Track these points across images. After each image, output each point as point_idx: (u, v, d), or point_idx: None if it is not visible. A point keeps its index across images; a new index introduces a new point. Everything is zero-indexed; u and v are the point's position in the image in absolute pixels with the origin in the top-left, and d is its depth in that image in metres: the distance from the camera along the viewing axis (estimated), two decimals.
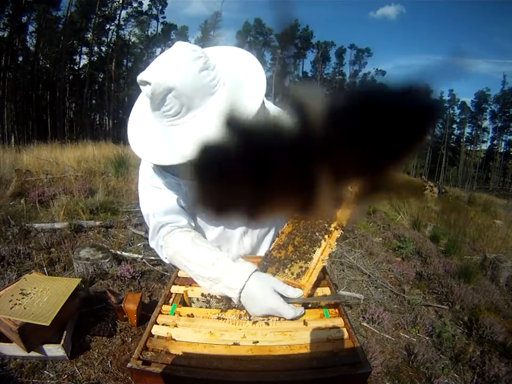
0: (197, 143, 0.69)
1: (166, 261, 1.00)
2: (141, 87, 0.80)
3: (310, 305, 0.95)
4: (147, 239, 3.34)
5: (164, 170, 0.94)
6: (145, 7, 31.30)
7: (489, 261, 3.74)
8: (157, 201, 0.97)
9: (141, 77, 0.78)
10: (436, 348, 2.32)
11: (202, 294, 0.95)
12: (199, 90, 0.77)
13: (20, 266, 2.64)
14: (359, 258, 3.59)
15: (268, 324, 0.82)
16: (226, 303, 0.92)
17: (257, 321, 0.83)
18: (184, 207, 0.99)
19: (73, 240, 3.13)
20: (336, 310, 0.88)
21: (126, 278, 2.55)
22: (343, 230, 0.92)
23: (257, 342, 0.76)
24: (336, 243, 0.91)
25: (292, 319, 0.80)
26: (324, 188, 0.25)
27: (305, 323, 0.82)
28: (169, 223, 0.97)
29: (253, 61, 0.87)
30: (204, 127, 0.78)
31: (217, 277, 0.85)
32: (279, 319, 0.84)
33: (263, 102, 0.86)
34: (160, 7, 32.35)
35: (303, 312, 0.83)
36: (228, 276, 0.84)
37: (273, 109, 1.05)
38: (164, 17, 33.63)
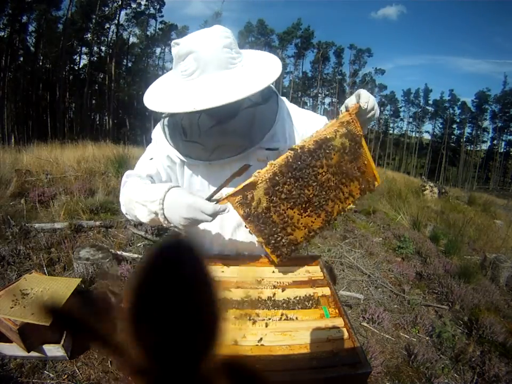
0: (197, 99, 0.80)
1: (123, 209, 1.03)
2: (172, 48, 0.92)
3: (310, 304, 0.95)
4: (147, 238, 3.33)
5: (169, 139, 1.04)
6: (142, 7, 31.26)
7: (489, 261, 3.73)
8: (141, 165, 1.10)
9: (175, 40, 0.91)
10: (436, 348, 2.32)
11: None
12: (216, 60, 0.87)
13: (20, 266, 2.63)
14: (359, 258, 3.59)
15: (268, 325, 0.82)
16: (226, 303, 0.92)
17: (256, 321, 0.83)
18: (158, 175, 1.08)
19: (73, 240, 3.13)
20: (336, 310, 0.88)
21: (126, 278, 2.55)
22: None
23: (260, 340, 0.76)
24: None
25: (212, 215, 0.83)
26: None
27: (304, 321, 0.82)
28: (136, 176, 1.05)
29: (274, 57, 1.00)
30: (208, 88, 0.87)
31: (145, 199, 0.88)
32: (279, 319, 0.84)
33: (277, 96, 1.08)
34: (158, 7, 32.29)
35: (225, 208, 0.85)
36: (151, 193, 0.88)
37: (291, 106, 1.16)
38: (161, 16, 33.59)
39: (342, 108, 0.99)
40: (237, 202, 0.87)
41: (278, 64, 0.95)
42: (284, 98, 1.15)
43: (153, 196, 0.86)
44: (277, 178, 0.87)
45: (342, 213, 0.95)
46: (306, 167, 0.88)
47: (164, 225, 0.87)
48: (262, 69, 0.93)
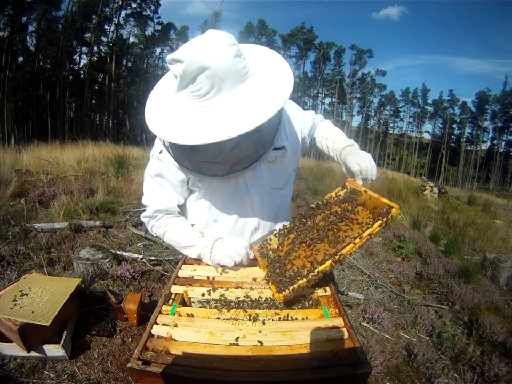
0: (227, 125, 0.72)
1: (154, 235, 1.23)
2: (170, 66, 0.81)
3: (310, 304, 0.95)
4: (147, 238, 3.34)
5: (176, 159, 1.01)
6: (139, 8, 31.17)
7: (489, 261, 3.73)
8: (157, 197, 1.13)
9: (172, 56, 0.78)
10: (436, 347, 2.32)
11: (202, 294, 0.95)
12: (231, 74, 0.79)
13: (20, 266, 2.63)
14: (359, 258, 3.59)
15: (268, 325, 0.82)
16: (226, 303, 0.92)
17: (257, 320, 0.83)
18: (179, 203, 1.15)
19: (73, 240, 3.13)
20: (336, 310, 0.88)
21: (126, 278, 2.54)
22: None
23: (262, 342, 0.76)
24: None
25: (244, 257, 1.07)
26: None
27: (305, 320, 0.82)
28: (164, 212, 1.16)
29: (280, 59, 0.92)
30: (234, 111, 0.80)
31: (195, 243, 1.11)
32: (279, 319, 0.85)
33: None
34: (153, 8, 32.18)
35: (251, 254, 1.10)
36: (203, 241, 1.11)
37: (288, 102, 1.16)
38: (158, 17, 33.48)
39: (345, 172, 1.16)
40: (257, 249, 1.11)
41: (288, 67, 0.90)
42: None
43: (204, 243, 1.11)
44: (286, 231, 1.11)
45: (353, 250, 0.94)
46: (310, 216, 1.10)
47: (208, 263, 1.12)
48: (276, 76, 0.87)
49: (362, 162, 1.07)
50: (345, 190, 1.12)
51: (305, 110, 1.28)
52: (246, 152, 1.00)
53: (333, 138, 1.26)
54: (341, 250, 0.90)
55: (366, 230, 0.91)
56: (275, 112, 0.79)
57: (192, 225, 1.16)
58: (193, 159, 0.99)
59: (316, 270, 0.88)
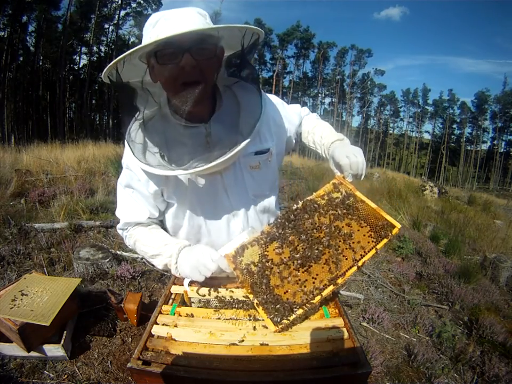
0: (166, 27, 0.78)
1: (130, 247, 1.14)
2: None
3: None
4: None
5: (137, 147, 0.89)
6: (140, 7, 31.12)
7: (489, 261, 3.73)
8: (127, 209, 1.06)
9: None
10: (436, 348, 2.32)
11: (202, 294, 0.95)
12: (184, 14, 0.81)
13: (20, 266, 2.63)
14: None
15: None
16: (226, 303, 0.92)
17: (257, 320, 0.83)
18: (152, 216, 1.06)
19: (73, 240, 3.13)
20: (336, 310, 0.88)
21: (126, 278, 2.54)
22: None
23: (261, 342, 0.76)
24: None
25: (215, 271, 0.89)
26: None
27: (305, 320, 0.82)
28: (134, 223, 1.09)
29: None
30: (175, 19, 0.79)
31: (160, 251, 1.00)
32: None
33: None
34: (154, 7, 32.14)
35: (227, 267, 0.89)
36: (167, 249, 0.98)
37: (274, 101, 1.08)
38: None
39: (333, 167, 1.04)
40: (231, 260, 0.91)
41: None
42: (268, 95, 1.06)
43: (169, 251, 0.98)
44: (267, 238, 0.92)
45: (356, 268, 0.83)
46: (297, 221, 0.93)
47: (176, 275, 0.99)
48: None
49: (352, 156, 0.96)
50: (337, 192, 0.97)
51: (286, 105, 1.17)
52: (218, 129, 0.88)
53: (320, 133, 1.16)
54: (343, 274, 0.82)
55: (369, 251, 0.83)
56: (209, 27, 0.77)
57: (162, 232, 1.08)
58: (156, 150, 0.88)
59: (316, 298, 0.80)
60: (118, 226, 1.11)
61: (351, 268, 0.82)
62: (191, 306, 0.96)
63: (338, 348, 0.74)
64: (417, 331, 2.48)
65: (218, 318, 0.86)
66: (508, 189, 38.17)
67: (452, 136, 47.25)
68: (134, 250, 1.12)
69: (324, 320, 0.84)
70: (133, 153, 0.86)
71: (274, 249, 0.89)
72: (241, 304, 0.90)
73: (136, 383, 0.75)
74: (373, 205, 0.90)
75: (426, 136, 49.65)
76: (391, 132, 49.79)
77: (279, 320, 0.78)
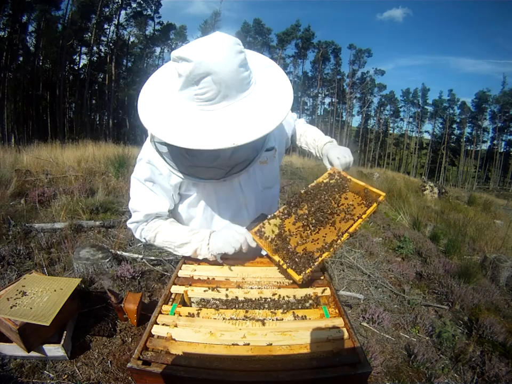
0: (233, 133, 0.76)
1: (143, 241, 1.18)
2: (176, 64, 0.79)
3: (310, 304, 0.95)
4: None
5: (171, 164, 1.01)
6: (140, 8, 31.12)
7: (489, 261, 3.74)
8: (147, 201, 1.10)
9: (179, 53, 0.77)
10: (436, 348, 2.32)
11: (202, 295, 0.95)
12: (237, 82, 0.80)
13: (20, 266, 2.63)
14: (359, 258, 3.59)
15: (268, 325, 0.82)
16: (226, 303, 0.92)
17: (257, 320, 0.83)
18: (170, 208, 1.13)
19: (73, 240, 3.13)
20: (336, 310, 0.88)
21: (126, 278, 2.55)
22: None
23: (262, 342, 0.76)
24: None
25: (243, 243, 1.02)
26: None
27: (304, 319, 0.82)
28: (154, 216, 1.13)
29: (279, 70, 0.95)
30: (239, 119, 0.81)
31: (190, 239, 1.08)
32: (280, 319, 0.84)
33: None
34: (154, 7, 32.13)
35: (251, 240, 1.04)
36: (197, 236, 1.08)
37: None
38: (159, 17, 33.42)
39: (327, 164, 1.24)
40: (256, 234, 1.05)
41: (286, 77, 0.93)
42: None
43: (199, 237, 1.07)
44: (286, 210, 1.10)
45: (356, 229, 1.03)
46: (303, 202, 1.12)
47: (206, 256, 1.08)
48: (277, 87, 0.90)
49: (342, 157, 1.18)
50: (333, 179, 1.18)
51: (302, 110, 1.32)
52: (243, 157, 1.05)
53: (312, 136, 1.35)
54: (346, 230, 1.00)
55: (366, 210, 1.04)
56: (279, 123, 0.82)
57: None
58: (190, 163, 1.00)
59: (332, 248, 0.96)
60: (133, 219, 1.13)
61: (352, 226, 1.01)
62: (191, 306, 0.96)
63: (338, 348, 0.74)
64: (417, 331, 2.48)
65: (218, 318, 0.86)
66: (508, 189, 38.15)
67: (452, 136, 47.22)
68: (148, 242, 1.16)
69: (324, 320, 0.84)
70: (166, 162, 1.00)
71: (290, 222, 1.07)
72: (241, 304, 0.91)
73: (136, 383, 0.75)
74: (362, 183, 1.12)
75: (426, 136, 49.63)
76: (391, 132, 49.75)
77: (302, 270, 0.92)
